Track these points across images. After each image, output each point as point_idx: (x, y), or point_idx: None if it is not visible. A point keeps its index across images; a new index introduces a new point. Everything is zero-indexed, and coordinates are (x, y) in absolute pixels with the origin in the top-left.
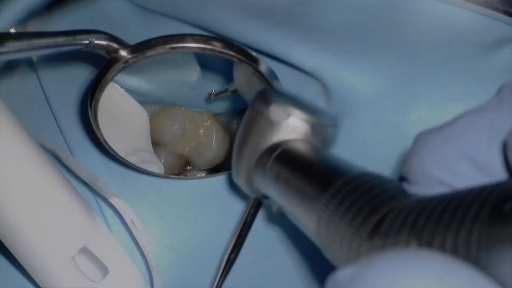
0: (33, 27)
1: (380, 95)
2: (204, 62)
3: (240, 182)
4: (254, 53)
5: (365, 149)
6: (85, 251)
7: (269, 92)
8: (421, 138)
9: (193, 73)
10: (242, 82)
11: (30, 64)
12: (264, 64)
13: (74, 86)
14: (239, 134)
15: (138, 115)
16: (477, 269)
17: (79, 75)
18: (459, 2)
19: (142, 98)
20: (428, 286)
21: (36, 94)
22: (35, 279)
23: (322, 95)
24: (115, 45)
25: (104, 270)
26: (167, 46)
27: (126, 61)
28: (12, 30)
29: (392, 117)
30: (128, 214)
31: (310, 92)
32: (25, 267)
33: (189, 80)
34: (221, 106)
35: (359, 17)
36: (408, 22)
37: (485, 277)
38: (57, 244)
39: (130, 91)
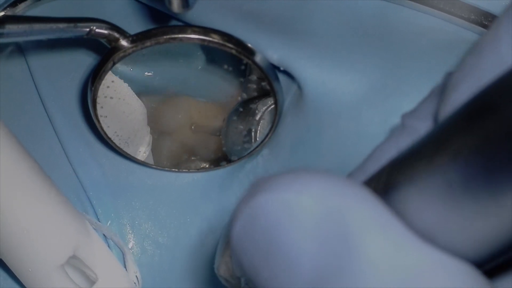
0: (22, 12)
1: (363, 106)
2: (210, 52)
3: (221, 270)
4: (251, 46)
5: (350, 162)
6: (74, 258)
7: None
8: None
9: (199, 62)
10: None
11: (18, 49)
12: (261, 57)
13: (62, 76)
14: (225, 227)
15: (136, 108)
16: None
17: (68, 63)
18: (444, 15)
19: (147, 88)
20: (308, 201)
21: (24, 80)
22: (25, 286)
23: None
24: (116, 34)
25: (93, 277)
26: (167, 37)
27: (126, 51)
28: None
29: (376, 129)
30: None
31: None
32: (15, 274)
33: (194, 69)
34: (227, 97)
35: (347, 24)
36: (393, 32)
37: (372, 196)
38: (46, 252)
39: (135, 81)
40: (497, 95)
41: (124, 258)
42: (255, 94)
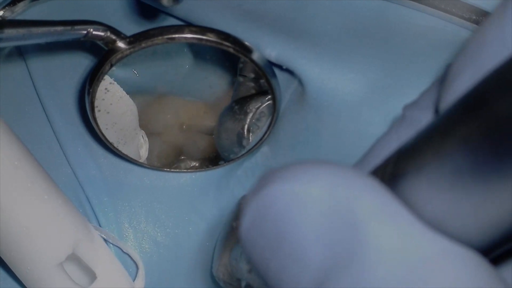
0: (21, 11)
1: (363, 106)
2: (197, 50)
3: (220, 272)
4: (248, 44)
5: (350, 162)
6: (73, 257)
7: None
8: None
9: (186, 62)
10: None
11: (18, 50)
12: (260, 55)
13: (61, 76)
14: (223, 230)
15: (130, 108)
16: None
17: (67, 65)
18: (444, 15)
19: (135, 89)
20: (317, 191)
21: (24, 81)
22: (24, 284)
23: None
24: (113, 36)
25: (92, 276)
26: (165, 37)
27: (123, 52)
28: (0, 13)
29: (376, 129)
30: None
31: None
32: (14, 272)
33: (181, 68)
34: (215, 95)
35: (348, 24)
36: (393, 32)
37: (380, 186)
38: (45, 249)
39: (122, 82)
40: (504, 79)
41: (136, 273)
42: (247, 93)
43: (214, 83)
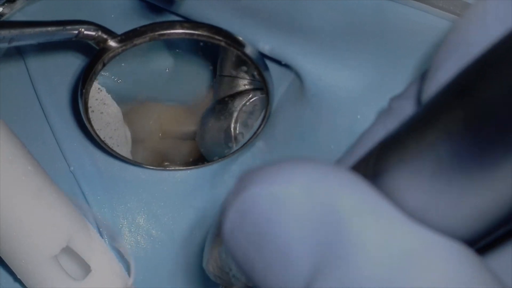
0: (20, 7)
1: (360, 103)
2: (178, 53)
3: (210, 265)
4: (240, 38)
5: None
6: (68, 250)
7: None
8: None
9: (166, 65)
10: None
11: (16, 49)
12: (251, 48)
13: (59, 74)
14: (213, 224)
15: (114, 112)
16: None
17: (65, 63)
18: (441, 13)
19: (117, 97)
20: (296, 191)
21: (22, 81)
22: (19, 277)
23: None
24: (104, 36)
25: (87, 269)
26: (156, 33)
27: (115, 50)
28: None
29: None
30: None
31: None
32: (9, 266)
33: (162, 72)
34: (196, 98)
35: (344, 21)
36: (390, 29)
37: (360, 181)
38: (39, 243)
39: (105, 89)
40: (484, 69)
41: (129, 270)
42: (228, 91)
43: (195, 86)
